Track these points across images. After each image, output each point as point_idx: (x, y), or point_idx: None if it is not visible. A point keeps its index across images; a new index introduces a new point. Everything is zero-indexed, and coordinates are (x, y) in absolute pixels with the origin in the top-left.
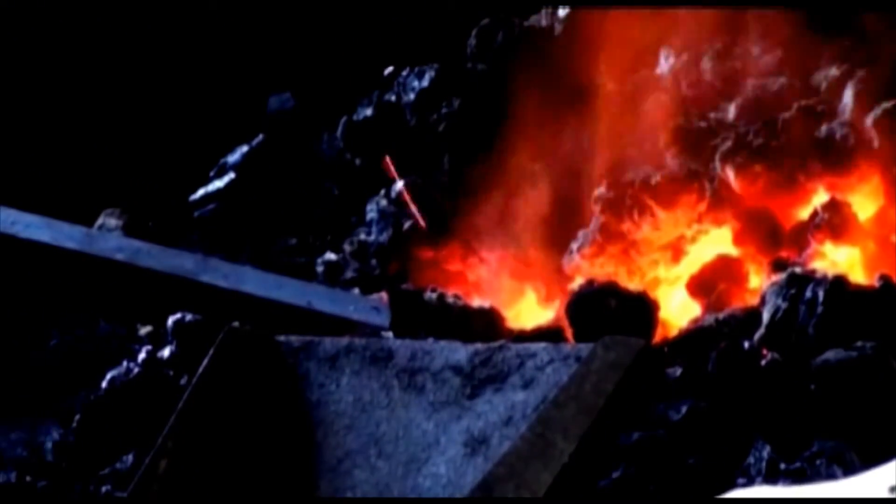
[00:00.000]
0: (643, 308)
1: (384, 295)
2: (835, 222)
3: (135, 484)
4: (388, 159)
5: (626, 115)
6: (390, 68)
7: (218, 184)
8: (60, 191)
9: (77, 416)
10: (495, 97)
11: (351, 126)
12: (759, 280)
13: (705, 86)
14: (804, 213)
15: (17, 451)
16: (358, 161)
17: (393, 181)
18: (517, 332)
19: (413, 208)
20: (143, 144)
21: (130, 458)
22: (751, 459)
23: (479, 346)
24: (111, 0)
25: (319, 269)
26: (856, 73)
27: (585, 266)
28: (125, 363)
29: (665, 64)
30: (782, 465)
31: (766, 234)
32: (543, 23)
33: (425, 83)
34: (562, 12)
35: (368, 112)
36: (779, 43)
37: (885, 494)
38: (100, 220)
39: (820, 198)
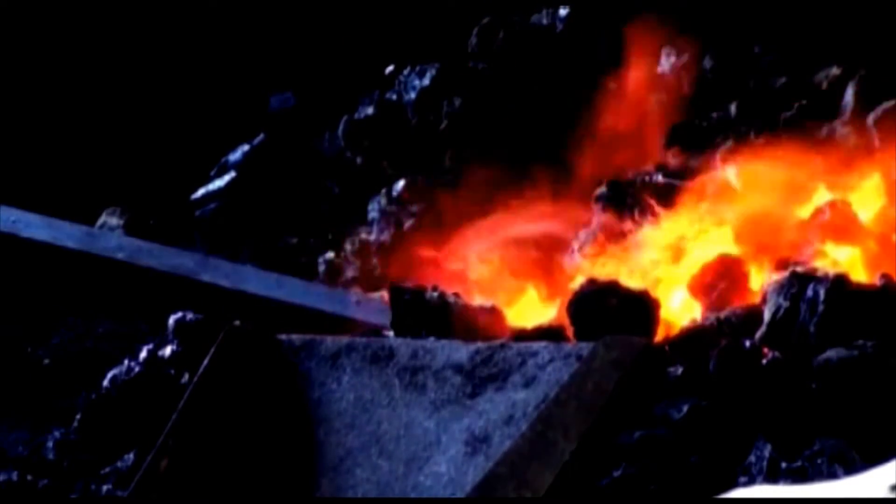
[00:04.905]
0: (644, 307)
1: (385, 294)
2: (836, 222)
3: (136, 483)
4: None
5: (628, 113)
6: (391, 67)
7: (219, 183)
8: (61, 190)
9: (78, 415)
10: (496, 96)
11: (352, 125)
12: (760, 279)
13: (706, 84)
14: (805, 213)
15: (19, 449)
16: (359, 160)
17: (394, 179)
18: (518, 331)
19: None
20: (143, 143)
21: (132, 456)
22: (752, 458)
23: (480, 344)
24: (111, 0)
25: (320, 268)
26: (856, 72)
27: (586, 265)
28: (126, 362)
29: (666, 63)
30: (783, 464)
31: (767, 233)
32: (544, 22)
33: (426, 82)
34: (562, 11)
35: (370, 111)
36: (779, 42)
37: (885, 494)
38: (101, 219)
39: (821, 197)
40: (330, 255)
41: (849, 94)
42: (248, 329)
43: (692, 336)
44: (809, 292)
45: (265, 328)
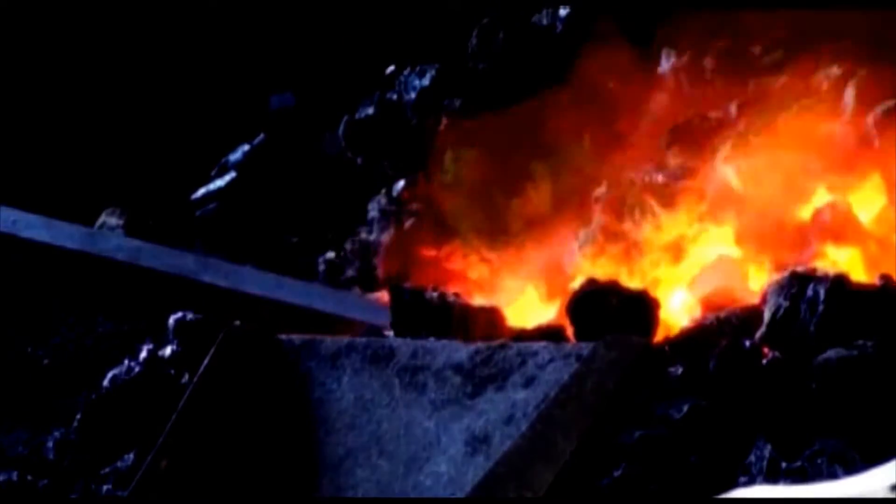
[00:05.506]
0: (644, 307)
1: (385, 294)
2: (835, 222)
3: (136, 482)
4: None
5: (628, 114)
6: (392, 67)
7: (219, 183)
8: (61, 190)
9: (78, 415)
10: (496, 96)
11: (352, 125)
12: (760, 279)
13: (706, 85)
14: (805, 213)
15: (19, 449)
16: (359, 160)
17: (394, 179)
18: (518, 331)
19: None
20: (143, 143)
21: (132, 456)
22: (752, 458)
23: (480, 344)
24: (111, 0)
25: (320, 268)
26: (856, 72)
27: (586, 265)
28: (126, 362)
29: (666, 63)
30: (783, 464)
31: (767, 233)
32: (544, 22)
33: (426, 82)
34: (562, 11)
35: (370, 111)
36: (779, 42)
37: (885, 494)
38: (100, 220)
39: (821, 197)
40: (330, 255)
41: (849, 94)
42: (248, 329)
43: (692, 336)
44: (809, 292)
45: (265, 328)
